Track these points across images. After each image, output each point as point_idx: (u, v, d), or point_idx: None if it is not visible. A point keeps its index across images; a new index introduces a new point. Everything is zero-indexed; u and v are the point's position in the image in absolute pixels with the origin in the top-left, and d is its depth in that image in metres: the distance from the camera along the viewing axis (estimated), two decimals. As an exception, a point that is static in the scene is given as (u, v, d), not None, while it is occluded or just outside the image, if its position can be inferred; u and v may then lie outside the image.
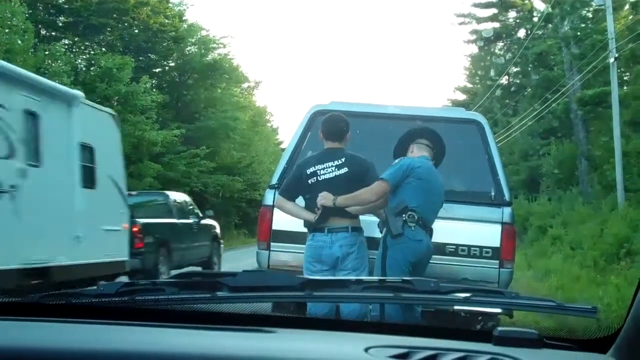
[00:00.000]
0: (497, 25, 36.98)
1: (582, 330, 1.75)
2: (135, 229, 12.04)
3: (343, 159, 5.33)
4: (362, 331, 1.82)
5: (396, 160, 5.46)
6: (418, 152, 5.56)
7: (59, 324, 1.70)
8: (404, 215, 5.12)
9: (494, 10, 36.86)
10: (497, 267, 5.68)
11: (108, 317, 1.73)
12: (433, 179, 5.39)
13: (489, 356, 1.49)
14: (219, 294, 1.78)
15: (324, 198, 5.18)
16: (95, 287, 1.85)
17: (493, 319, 4.87)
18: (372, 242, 5.52)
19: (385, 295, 1.93)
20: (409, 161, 5.40)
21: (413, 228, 5.13)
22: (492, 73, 38.90)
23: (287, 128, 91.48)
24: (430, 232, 5.29)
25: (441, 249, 5.71)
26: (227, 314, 1.76)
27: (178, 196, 16.86)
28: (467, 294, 1.83)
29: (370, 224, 5.56)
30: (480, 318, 5.11)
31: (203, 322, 1.71)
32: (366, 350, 1.49)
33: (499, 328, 1.64)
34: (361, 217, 5.40)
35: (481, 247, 5.72)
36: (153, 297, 1.79)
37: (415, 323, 3.57)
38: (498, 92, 36.56)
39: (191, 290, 1.85)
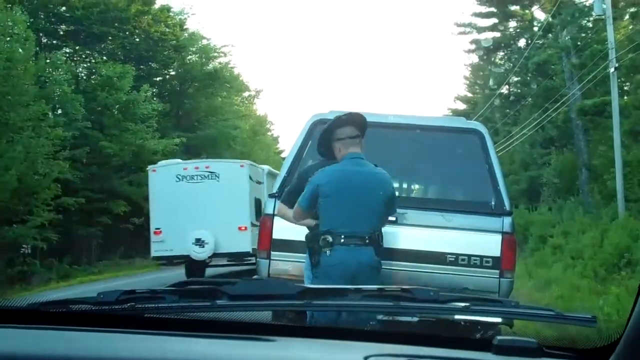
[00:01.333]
0: (497, 34, 37.03)
1: (583, 340, 1.75)
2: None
3: (345, 167, 5.30)
4: (361, 340, 1.82)
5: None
6: (345, 150, 5.14)
7: (59, 331, 1.70)
8: (320, 242, 4.92)
9: (495, 20, 36.91)
10: (498, 276, 5.65)
11: (108, 325, 1.73)
12: (344, 187, 5.00)
13: (488, 365, 1.49)
14: (219, 302, 1.78)
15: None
16: (95, 295, 1.85)
17: (493, 328, 4.85)
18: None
19: (385, 304, 1.93)
20: (317, 179, 5.07)
21: (328, 253, 4.89)
22: (490, 82, 38.89)
23: (287, 137, 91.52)
24: (373, 241, 4.97)
25: (441, 258, 5.70)
26: (227, 322, 1.76)
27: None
28: (467, 303, 1.83)
29: None
30: (480, 327, 5.09)
31: (203, 330, 1.71)
32: (365, 359, 1.49)
33: (499, 337, 1.64)
34: None
35: (481, 257, 5.69)
36: (153, 305, 1.79)
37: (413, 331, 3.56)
38: (498, 101, 36.57)
39: (191, 298, 1.85)
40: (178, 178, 17.70)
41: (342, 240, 4.88)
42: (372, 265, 4.94)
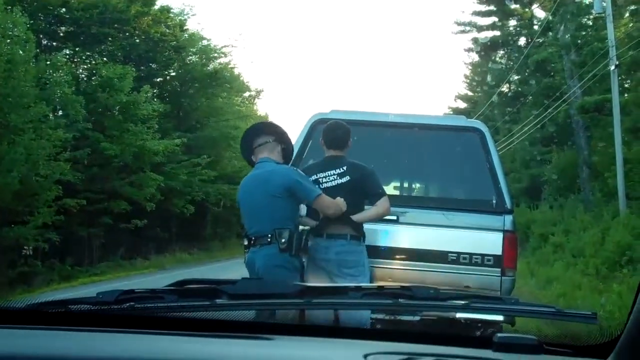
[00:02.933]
0: (497, 33, 37.02)
1: (584, 337, 1.75)
2: None
3: (345, 167, 5.32)
4: (361, 338, 1.82)
5: None
6: (256, 157, 5.37)
7: (59, 332, 1.70)
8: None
9: (495, 19, 36.92)
10: (499, 275, 5.65)
11: (107, 324, 1.73)
12: (247, 191, 5.24)
13: (488, 362, 1.49)
14: (218, 301, 1.78)
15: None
16: (94, 295, 1.85)
17: (494, 326, 4.85)
18: (374, 251, 5.51)
19: (385, 302, 1.93)
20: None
21: (245, 257, 5.20)
22: (489, 78, 38.84)
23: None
24: (278, 238, 5.00)
25: (443, 257, 5.70)
26: (226, 322, 1.75)
27: None
28: (467, 301, 1.83)
29: (374, 232, 5.55)
30: (480, 325, 5.09)
31: (202, 330, 1.71)
32: (365, 357, 1.49)
33: (499, 334, 1.63)
34: (365, 226, 5.38)
35: (483, 255, 5.69)
36: (152, 305, 1.79)
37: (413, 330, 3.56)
38: (498, 99, 36.54)
39: (190, 297, 1.85)
40: None
41: (253, 242, 5.07)
42: (279, 265, 4.97)
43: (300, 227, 5.30)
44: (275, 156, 5.32)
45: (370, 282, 5.19)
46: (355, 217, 5.24)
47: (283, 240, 4.96)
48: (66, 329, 1.71)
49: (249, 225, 5.19)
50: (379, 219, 5.41)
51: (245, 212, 5.26)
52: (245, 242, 5.19)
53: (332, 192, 5.24)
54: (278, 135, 5.42)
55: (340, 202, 5.14)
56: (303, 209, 5.49)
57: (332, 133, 5.45)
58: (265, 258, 4.98)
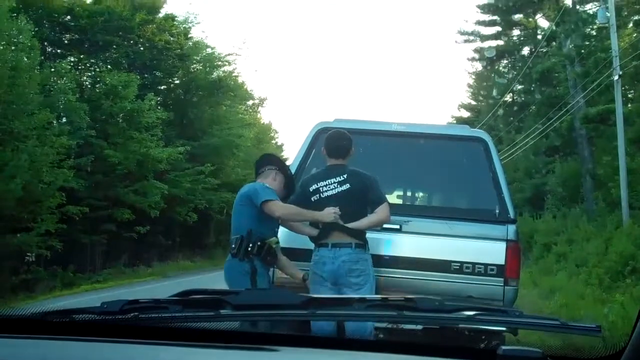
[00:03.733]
0: (501, 43, 37.03)
1: (588, 349, 1.74)
2: None
3: (345, 175, 5.33)
4: (365, 349, 1.82)
5: None
6: (257, 180, 5.66)
7: (63, 341, 1.70)
8: None
9: (498, 29, 36.96)
10: (502, 284, 5.63)
11: (112, 334, 1.72)
12: (237, 202, 5.51)
13: (492, 375, 1.49)
14: (222, 312, 1.78)
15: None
16: (98, 304, 1.85)
17: (497, 337, 4.83)
18: (377, 260, 5.50)
19: (389, 314, 1.93)
20: None
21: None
22: (494, 92, 38.80)
23: (291, 145, 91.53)
24: (243, 245, 5.23)
25: (446, 266, 5.68)
26: (230, 332, 1.75)
27: None
28: (471, 313, 1.82)
29: (377, 241, 5.55)
30: (484, 337, 5.07)
31: (206, 340, 1.71)
32: (369, 369, 1.49)
33: (503, 347, 1.63)
34: (368, 234, 5.38)
35: (486, 265, 5.68)
36: (157, 315, 1.79)
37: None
38: (502, 110, 36.53)
39: (194, 308, 1.85)
40: None
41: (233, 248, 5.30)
42: (228, 268, 5.31)
43: (276, 236, 5.43)
44: (271, 183, 5.53)
45: (375, 290, 5.18)
46: (356, 224, 5.25)
47: (233, 246, 5.24)
48: (71, 338, 1.71)
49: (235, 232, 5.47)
50: (380, 226, 5.43)
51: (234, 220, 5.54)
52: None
53: (333, 200, 5.25)
54: (276, 164, 5.75)
55: (290, 207, 5.34)
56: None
57: (334, 142, 5.46)
58: (226, 263, 5.36)
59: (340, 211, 5.19)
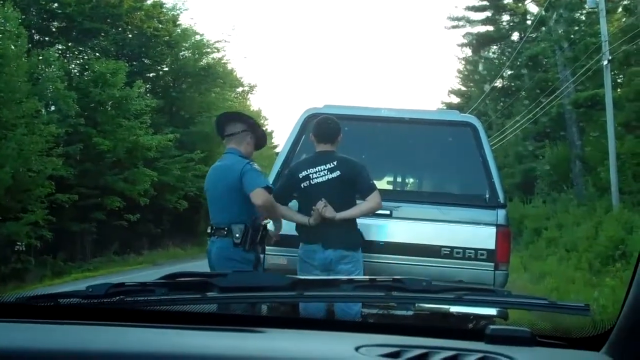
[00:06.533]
0: (490, 28, 37.02)
1: (576, 330, 1.74)
2: None
3: (335, 162, 5.31)
4: (353, 330, 1.81)
5: None
6: (227, 146, 5.45)
7: (48, 325, 1.69)
8: None
9: (488, 14, 36.92)
10: (493, 269, 5.66)
11: (97, 318, 1.71)
12: (210, 181, 5.37)
13: (480, 354, 1.48)
14: (209, 294, 1.76)
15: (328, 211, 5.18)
16: (84, 289, 1.83)
17: (487, 320, 4.85)
18: (368, 246, 5.50)
19: (377, 295, 1.92)
20: None
21: (209, 241, 5.27)
22: (480, 67, 38.78)
23: (281, 132, 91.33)
24: (234, 231, 5.09)
25: (436, 251, 5.70)
26: (218, 315, 1.74)
27: None
28: (459, 293, 1.82)
29: (367, 226, 5.55)
30: (473, 319, 5.09)
31: (193, 323, 1.69)
32: (357, 349, 1.48)
33: (491, 327, 1.62)
34: (358, 221, 5.38)
35: (476, 250, 5.69)
36: (143, 298, 1.78)
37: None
38: (492, 94, 36.57)
39: (181, 290, 1.84)
40: None
41: (212, 232, 5.18)
42: (230, 257, 5.06)
43: (265, 222, 5.36)
44: (244, 147, 5.37)
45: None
46: (347, 213, 5.25)
47: (237, 235, 5.05)
48: (56, 322, 1.69)
49: (211, 214, 5.30)
50: (371, 214, 5.42)
51: (209, 202, 5.35)
52: (209, 230, 5.28)
53: (322, 187, 5.24)
54: (249, 125, 5.50)
55: (280, 206, 5.25)
56: (295, 204, 5.50)
57: (322, 127, 5.45)
58: (218, 250, 5.11)
59: (330, 199, 5.18)
